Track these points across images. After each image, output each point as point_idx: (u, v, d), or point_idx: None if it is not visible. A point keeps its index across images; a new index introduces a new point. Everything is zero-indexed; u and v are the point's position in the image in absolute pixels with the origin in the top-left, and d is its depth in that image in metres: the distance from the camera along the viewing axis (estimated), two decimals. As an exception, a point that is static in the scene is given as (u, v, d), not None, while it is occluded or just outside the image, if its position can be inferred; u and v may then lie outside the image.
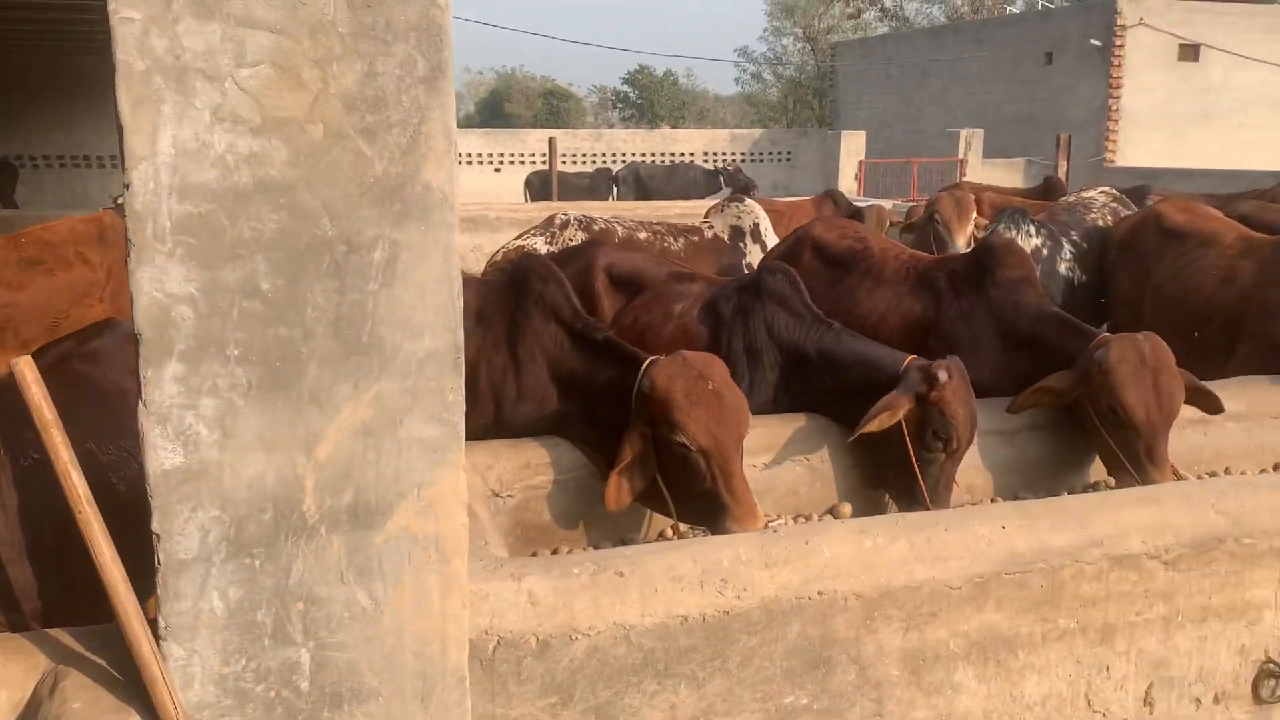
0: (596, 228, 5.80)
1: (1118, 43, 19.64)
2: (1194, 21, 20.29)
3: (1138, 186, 10.01)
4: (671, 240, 6.05)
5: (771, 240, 6.03)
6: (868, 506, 3.73)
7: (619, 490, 3.08)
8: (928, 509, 3.43)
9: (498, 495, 3.30)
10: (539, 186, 18.10)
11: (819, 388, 3.76)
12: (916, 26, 34.84)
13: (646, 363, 3.17)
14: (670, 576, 2.46)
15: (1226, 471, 4.12)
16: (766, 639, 2.50)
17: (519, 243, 5.73)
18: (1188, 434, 4.08)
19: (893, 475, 3.59)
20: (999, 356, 4.13)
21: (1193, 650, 2.91)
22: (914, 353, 4.22)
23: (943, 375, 3.36)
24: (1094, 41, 19.98)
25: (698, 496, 3.08)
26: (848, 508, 3.65)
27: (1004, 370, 4.11)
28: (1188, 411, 4.10)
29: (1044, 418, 3.93)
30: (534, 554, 3.33)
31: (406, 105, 1.82)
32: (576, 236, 5.67)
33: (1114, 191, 6.72)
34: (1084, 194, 6.67)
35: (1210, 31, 20.29)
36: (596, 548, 3.39)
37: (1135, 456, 3.65)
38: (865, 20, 41.34)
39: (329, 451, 1.86)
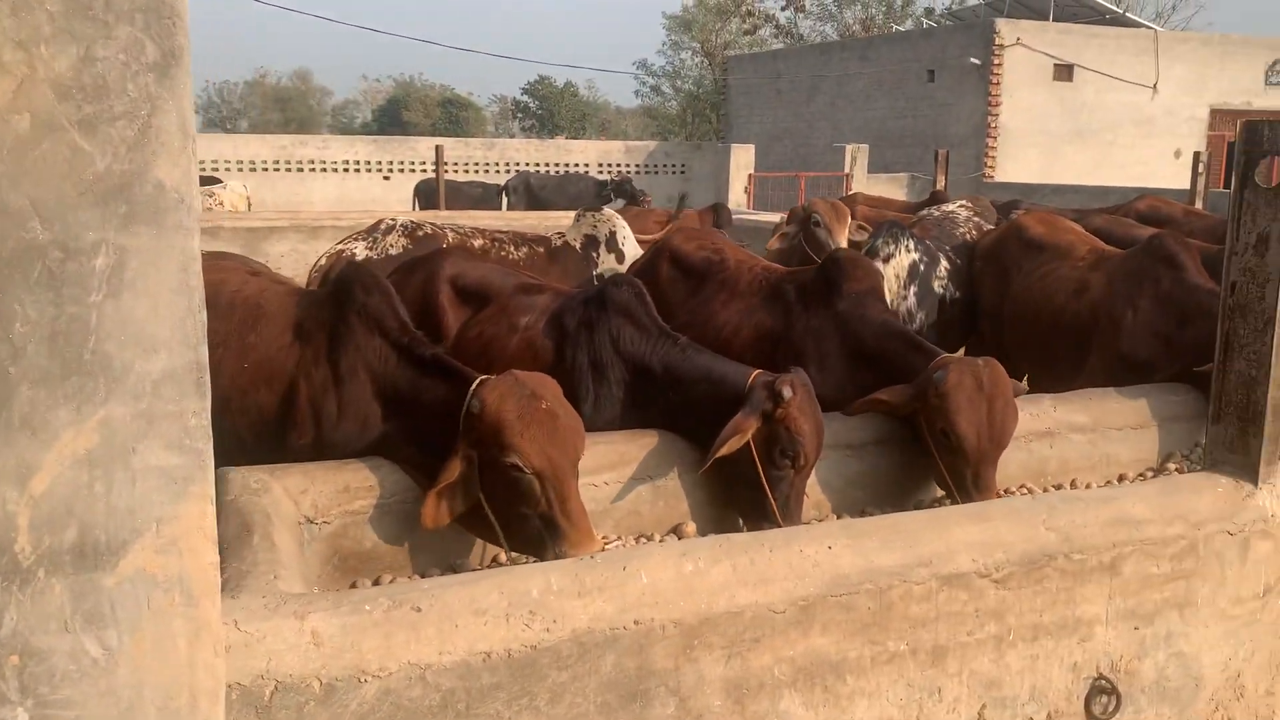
0: (421, 233, 5.57)
1: (996, 62, 20.23)
2: (1067, 43, 21.04)
3: (1009, 201, 10.26)
4: (512, 249, 5.85)
5: (632, 250, 5.91)
6: (714, 524, 3.63)
7: (436, 509, 2.91)
8: (779, 526, 3.34)
9: (312, 522, 3.08)
10: (428, 195, 17.76)
11: (665, 404, 3.65)
12: (809, 43, 35.43)
13: (476, 382, 3.01)
14: (473, 610, 2.29)
15: (1073, 484, 4.14)
16: (579, 673, 2.35)
17: (339, 248, 5.49)
18: (1035, 447, 4.09)
19: (742, 494, 3.49)
20: (844, 370, 4.09)
21: (1025, 669, 2.86)
22: (764, 365, 4.16)
23: (787, 392, 3.27)
24: (973, 60, 20.55)
25: (530, 522, 2.93)
26: (692, 527, 3.54)
27: (849, 384, 4.07)
28: (1033, 424, 4.11)
29: (891, 432, 3.88)
30: (353, 584, 3.13)
31: (133, 95, 1.62)
32: (399, 243, 5.45)
33: (972, 206, 6.78)
34: (945, 208, 6.72)
35: (1082, 53, 21.06)
36: (423, 576, 3.20)
37: (962, 481, 3.62)
38: (761, 37, 41.90)
39: (47, 484, 1.65)
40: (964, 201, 7.00)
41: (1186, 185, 19.21)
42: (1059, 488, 4.09)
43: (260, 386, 3.31)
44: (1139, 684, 3.02)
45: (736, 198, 20.10)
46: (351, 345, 3.24)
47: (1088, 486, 4.11)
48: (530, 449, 2.87)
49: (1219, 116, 22.44)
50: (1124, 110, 21.51)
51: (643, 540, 3.45)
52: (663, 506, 3.55)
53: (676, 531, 3.53)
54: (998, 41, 20.22)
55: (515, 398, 2.92)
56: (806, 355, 4.16)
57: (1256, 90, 22.53)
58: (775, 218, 12.75)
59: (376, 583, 3.14)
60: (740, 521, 3.62)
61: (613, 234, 6.03)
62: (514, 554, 3.16)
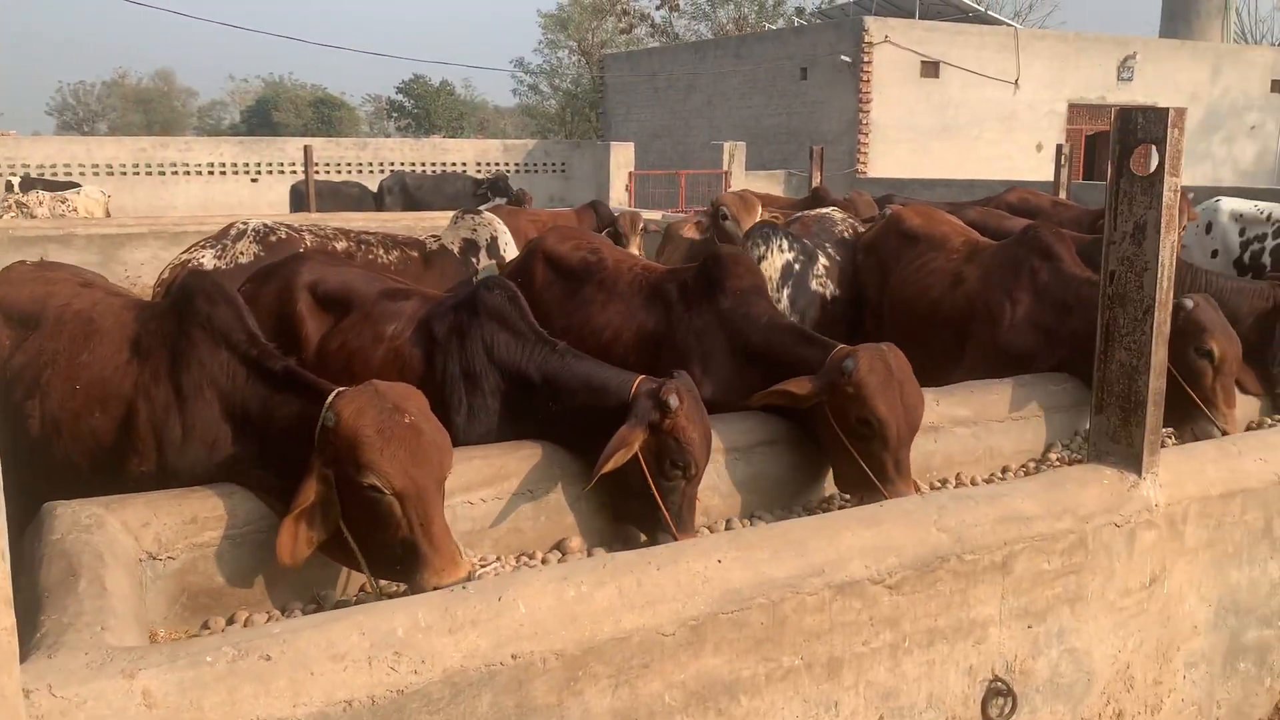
0: (275, 238, 5.24)
1: (865, 59, 20.61)
2: (933, 40, 21.58)
3: (883, 196, 10.38)
4: (382, 253, 5.55)
5: (514, 255, 5.69)
6: (601, 538, 3.46)
7: (293, 540, 2.66)
8: (675, 538, 3.19)
9: (155, 558, 2.79)
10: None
11: (545, 414, 3.46)
12: (684, 42, 35.60)
13: (332, 395, 2.77)
14: (331, 655, 2.07)
15: (958, 479, 4.12)
16: (452, 716, 2.15)
17: (185, 257, 5.12)
18: (919, 441, 4.03)
19: (634, 506, 3.33)
20: (731, 370, 3.97)
21: (921, 676, 2.77)
22: (648, 368, 4.01)
23: (674, 401, 3.12)
24: (844, 58, 20.89)
25: (391, 547, 2.70)
26: (577, 541, 3.36)
27: (736, 384, 3.95)
28: (919, 419, 4.06)
29: (779, 433, 3.78)
30: (205, 624, 2.86)
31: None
32: (250, 250, 5.12)
33: (844, 211, 6.78)
34: (824, 211, 6.69)
35: (948, 50, 21.64)
36: (284, 610, 2.95)
37: (882, 469, 3.55)
38: (637, 36, 41.94)
39: None
40: (835, 207, 6.98)
41: (1048, 177, 19.93)
42: (944, 483, 4.06)
43: (95, 409, 3.00)
44: (1033, 683, 2.97)
45: (617, 196, 20.02)
46: (195, 361, 2.96)
47: (973, 481, 4.10)
48: (390, 468, 2.64)
49: (1077, 111, 23.37)
50: (988, 106, 22.19)
51: (524, 559, 3.26)
52: (545, 522, 3.36)
53: (561, 548, 3.35)
54: (867, 39, 20.60)
55: (374, 411, 2.69)
56: (690, 356, 4.03)
57: (1110, 85, 23.54)
58: (657, 215, 12.68)
59: (231, 621, 2.88)
60: (634, 532, 3.46)
61: (494, 238, 5.77)
62: (382, 581, 2.92)
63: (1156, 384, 3.12)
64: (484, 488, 3.26)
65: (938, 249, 5.52)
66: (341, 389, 2.78)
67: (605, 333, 4.30)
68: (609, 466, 3.10)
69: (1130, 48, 23.86)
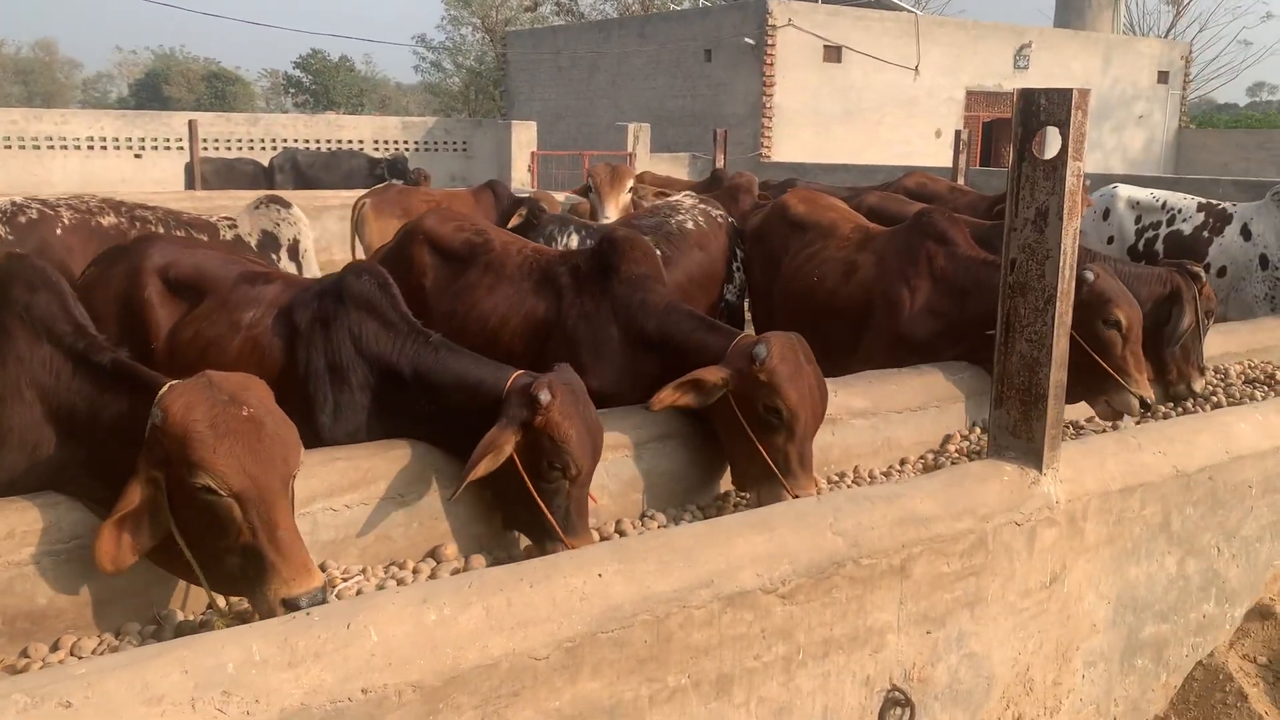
0: (24, 219, 4.73)
1: (770, 42, 20.56)
2: (836, 25, 21.66)
3: (786, 180, 10.29)
4: (161, 231, 4.98)
5: (312, 269, 5.26)
6: (479, 543, 3.22)
7: (115, 546, 2.37)
8: (563, 542, 2.97)
9: (-37, 579, 2.47)
10: (209, 175, 16.35)
11: (417, 412, 3.20)
12: (589, 20, 35.17)
13: (162, 389, 2.47)
14: (146, 698, 1.80)
15: (856, 471, 3.99)
16: (291, 761, 1.90)
17: None
18: (818, 433, 3.90)
19: (519, 513, 3.09)
20: (625, 359, 3.76)
21: (816, 689, 2.61)
22: (536, 358, 3.77)
23: (545, 396, 2.89)
24: (748, 40, 20.82)
25: (233, 556, 2.42)
26: (452, 548, 3.12)
27: (632, 374, 3.74)
28: (818, 411, 3.91)
29: (672, 427, 3.59)
30: (24, 651, 2.54)
31: None
32: None
33: (698, 195, 6.30)
34: (675, 197, 6.38)
35: (850, 34, 21.75)
36: (118, 634, 2.64)
37: (786, 462, 3.40)
38: (542, 14, 41.32)
39: None
40: (689, 192, 6.63)
41: (947, 163, 20.21)
42: (842, 476, 3.93)
43: (-104, 410, 2.64)
44: (932, 690, 2.84)
45: (520, 176, 19.65)
46: (12, 357, 2.62)
47: (871, 475, 3.98)
48: (225, 466, 2.36)
49: (974, 98, 23.75)
50: (889, 91, 22.39)
51: (394, 569, 3.01)
52: (418, 528, 3.11)
53: (435, 555, 3.11)
54: (770, 22, 20.54)
55: (206, 404, 2.41)
56: (580, 345, 3.80)
57: (1007, 73, 23.98)
58: (561, 197, 12.40)
59: (55, 648, 2.56)
60: (516, 536, 3.23)
61: (296, 241, 5.28)
62: (223, 597, 2.64)
63: (1058, 376, 3.01)
64: (349, 492, 2.99)
65: (827, 236, 5.37)
66: (173, 382, 2.48)
67: (492, 319, 4.05)
68: (478, 473, 2.87)
69: (1026, 37, 24.35)
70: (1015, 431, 3.08)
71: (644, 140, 18.35)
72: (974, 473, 3.02)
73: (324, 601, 2.38)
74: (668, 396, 3.37)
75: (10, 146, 19.94)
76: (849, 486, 3.83)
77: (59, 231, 4.67)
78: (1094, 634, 3.24)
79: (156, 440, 2.39)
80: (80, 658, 2.53)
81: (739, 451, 3.48)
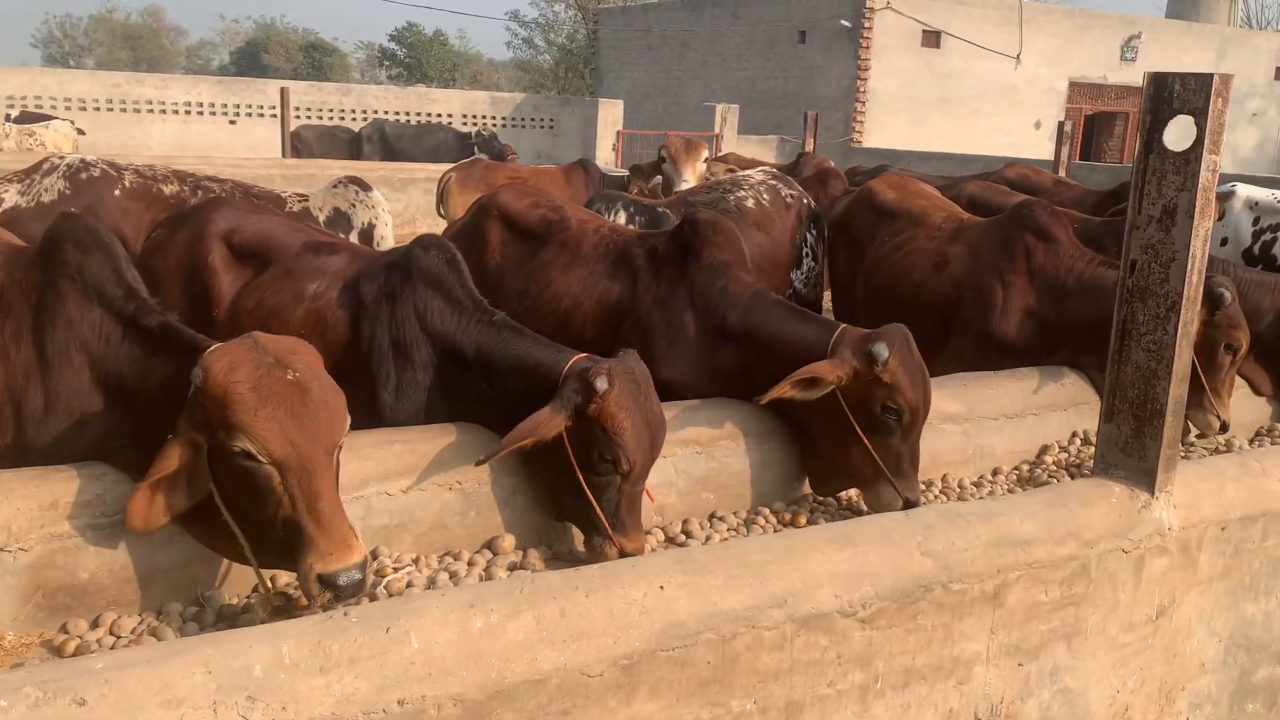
0: (85, 176, 4.65)
1: (866, 26, 20.00)
2: (936, 9, 20.98)
3: (878, 167, 9.93)
4: (225, 197, 4.82)
5: (389, 245, 5.08)
6: (538, 536, 3.06)
7: (148, 507, 2.27)
8: (611, 541, 2.80)
9: (4, 549, 2.38)
10: (311, 141, 16.55)
11: (478, 394, 3.05)
12: (682, -1, 34.82)
13: (208, 351, 2.35)
14: (165, 699, 1.66)
15: (944, 480, 3.73)
16: (319, 775, 1.75)
17: None
18: (904, 439, 3.65)
19: (568, 502, 2.93)
20: (700, 350, 3.54)
21: (893, 721, 2.39)
22: (607, 343, 3.59)
23: (601, 384, 2.71)
24: (844, 23, 20.30)
25: (272, 527, 2.29)
26: (509, 541, 2.96)
27: (706, 366, 3.53)
28: (905, 413, 3.66)
29: (745, 426, 3.38)
30: (64, 626, 2.45)
31: None
32: (55, 186, 4.60)
33: (775, 170, 6.01)
34: (745, 171, 6.05)
35: (950, 20, 21.05)
36: (158, 613, 2.54)
37: (897, 463, 3.24)
38: (636, -9, 41.04)
39: None
40: (764, 167, 6.31)
41: (1045, 155, 19.46)
42: (929, 484, 3.68)
43: (-53, 370, 2.57)
44: (1021, 729, 2.59)
45: (604, 155, 19.48)
46: (62, 319, 2.53)
47: (960, 484, 3.72)
48: (266, 432, 2.23)
49: (1077, 89, 22.86)
50: (988, 79, 21.64)
51: (449, 560, 2.86)
52: (475, 518, 2.96)
53: (492, 547, 2.95)
54: (868, 5, 19.97)
55: (249, 365, 2.28)
56: (653, 332, 3.61)
57: (1112, 65, 23.02)
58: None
59: (95, 625, 2.47)
60: (576, 532, 3.06)
61: (371, 226, 5.12)
62: (282, 579, 2.51)
63: (1178, 391, 2.72)
64: (405, 477, 2.85)
65: (917, 225, 5.08)
66: (218, 345, 2.36)
67: (564, 300, 3.87)
68: (511, 447, 2.72)
69: (1136, 27, 23.33)
70: (1126, 449, 2.80)
71: (732, 121, 18.04)
72: (1079, 493, 2.75)
73: (363, 580, 2.24)
74: (782, 391, 3.15)
75: (113, 109, 20.42)
76: (937, 496, 3.59)
77: (117, 193, 4.63)
78: (1202, 674, 2.95)
79: (197, 402, 2.28)
80: (119, 636, 2.43)
81: (843, 450, 3.28)
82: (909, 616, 2.35)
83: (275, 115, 20.15)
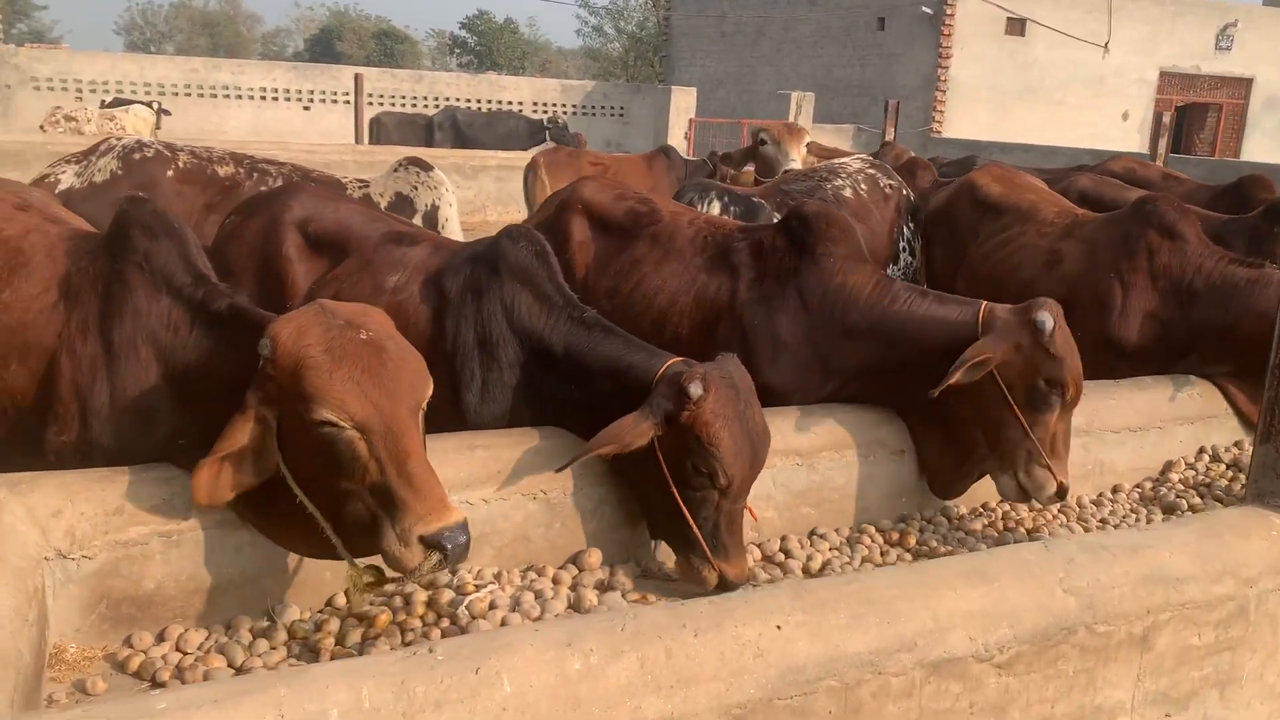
0: (139, 156, 4.50)
1: (948, 12, 19.43)
2: (1021, -4, 20.33)
3: (966, 158, 9.54)
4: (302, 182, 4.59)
5: (454, 230, 4.88)
6: (626, 550, 2.85)
7: (214, 481, 2.11)
8: (709, 560, 2.57)
9: (66, 556, 2.23)
10: (391, 127, 16.60)
11: (566, 397, 2.84)
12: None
13: (275, 320, 2.18)
14: (231, 746, 1.48)
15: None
16: (400, 833, 1.56)
17: (46, 172, 4.50)
18: (1019, 452, 3.37)
19: (662, 519, 2.70)
20: (811, 352, 3.28)
21: (1028, 778, 2.14)
22: (705, 345, 3.35)
23: (695, 389, 2.48)
24: (925, 9, 19.74)
25: (356, 501, 2.10)
26: (596, 556, 2.75)
27: (818, 370, 3.27)
28: (1020, 424, 3.38)
29: (850, 435, 3.13)
30: (128, 639, 2.30)
31: None
32: (109, 167, 4.45)
33: (872, 159, 5.67)
34: (841, 159, 5.72)
35: (1036, 7, 20.36)
36: (227, 627, 2.38)
37: (1053, 444, 3.00)
38: (707, -22, 40.59)
39: None
40: (863, 156, 5.98)
41: (1133, 147, 18.74)
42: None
43: (11, 360, 2.43)
44: (1167, 787, 2.32)
45: (675, 143, 19.20)
46: (129, 309, 2.37)
47: (1078, 502, 3.43)
48: (347, 394, 2.06)
49: (1168, 79, 21.99)
50: (1074, 68, 20.91)
51: (532, 575, 2.66)
52: (559, 530, 2.75)
53: (577, 562, 2.75)
54: (951, -9, 19.42)
55: (320, 329, 2.11)
56: (756, 333, 3.35)
57: (1206, 54, 22.10)
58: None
59: (161, 638, 2.31)
60: (667, 548, 2.84)
61: (435, 207, 4.89)
62: (359, 562, 2.29)
63: (1352, 413, 2.42)
64: (487, 485, 2.66)
65: (1026, 221, 4.76)
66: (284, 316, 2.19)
67: (659, 298, 3.60)
68: (592, 454, 2.52)
69: (1232, 15, 22.35)
70: (1288, 475, 2.51)
71: (807, 110, 17.64)
72: (1234, 524, 2.46)
73: (468, 543, 2.06)
74: (956, 377, 2.90)
75: (190, 94, 20.66)
76: (1055, 515, 3.30)
77: (169, 173, 4.50)
78: (1365, 728, 2.64)
79: (266, 375, 2.11)
80: (185, 652, 2.27)
81: (997, 433, 3.03)
82: (1049, 661, 2.10)
83: (349, 101, 20.23)
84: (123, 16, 68.62)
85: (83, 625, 2.27)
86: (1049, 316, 2.94)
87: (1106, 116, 21.28)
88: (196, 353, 2.35)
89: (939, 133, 19.06)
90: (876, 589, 2.02)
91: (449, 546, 2.02)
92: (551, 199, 4.00)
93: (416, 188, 4.87)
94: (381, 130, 16.76)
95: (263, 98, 21.36)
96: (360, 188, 4.80)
